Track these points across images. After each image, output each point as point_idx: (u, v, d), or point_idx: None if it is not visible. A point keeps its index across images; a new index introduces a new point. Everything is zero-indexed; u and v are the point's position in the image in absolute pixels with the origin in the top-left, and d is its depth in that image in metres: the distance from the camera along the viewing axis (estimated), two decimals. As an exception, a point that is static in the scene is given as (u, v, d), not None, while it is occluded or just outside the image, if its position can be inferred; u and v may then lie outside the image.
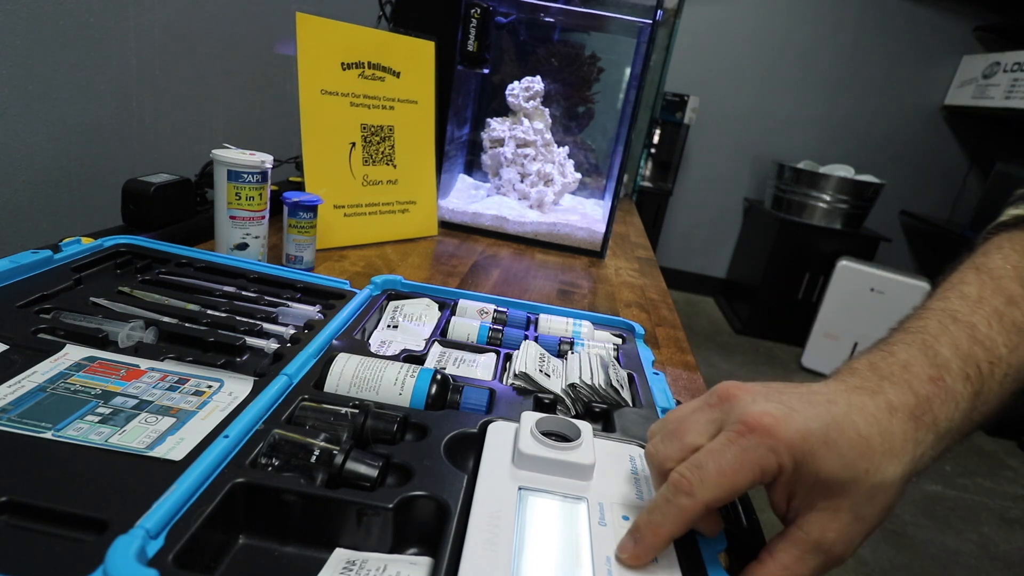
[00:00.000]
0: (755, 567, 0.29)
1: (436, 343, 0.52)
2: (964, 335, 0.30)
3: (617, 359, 0.53)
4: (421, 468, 0.33)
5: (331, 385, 0.41)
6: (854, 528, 0.27)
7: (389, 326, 0.56)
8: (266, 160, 0.69)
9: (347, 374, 0.41)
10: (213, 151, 0.68)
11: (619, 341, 0.57)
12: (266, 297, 0.56)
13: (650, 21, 0.97)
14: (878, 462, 0.27)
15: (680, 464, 0.28)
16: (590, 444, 0.35)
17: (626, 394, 0.45)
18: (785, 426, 0.27)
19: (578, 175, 1.18)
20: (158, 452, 0.33)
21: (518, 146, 1.13)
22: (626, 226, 1.43)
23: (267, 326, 0.50)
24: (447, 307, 0.60)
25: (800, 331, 2.68)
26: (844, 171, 2.81)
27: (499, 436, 0.37)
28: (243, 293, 0.56)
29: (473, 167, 1.31)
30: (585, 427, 0.36)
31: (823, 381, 0.31)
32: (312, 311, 0.54)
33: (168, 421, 0.36)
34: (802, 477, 0.27)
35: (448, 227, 1.07)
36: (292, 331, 0.49)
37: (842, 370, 0.32)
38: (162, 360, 0.42)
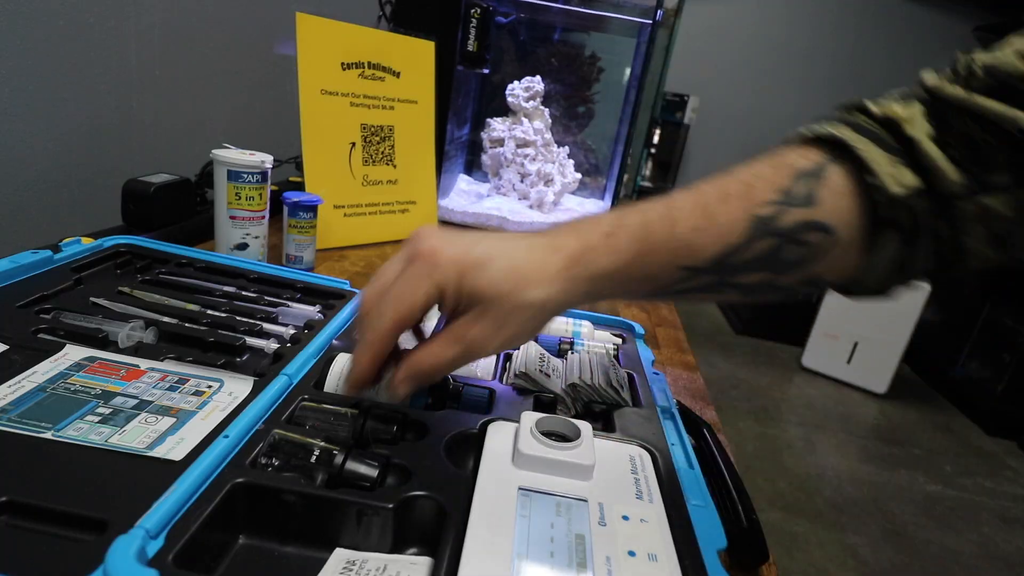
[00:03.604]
0: (412, 352, 0.35)
1: (436, 343, 0.52)
2: (656, 212, 0.34)
3: (617, 359, 0.53)
4: (421, 468, 0.33)
5: (331, 385, 0.41)
6: (494, 332, 0.33)
7: (389, 326, 0.56)
8: (266, 160, 0.69)
9: (347, 374, 0.41)
10: (213, 151, 0.68)
11: (619, 341, 0.57)
12: (266, 297, 0.56)
13: (650, 21, 0.97)
14: (524, 286, 0.32)
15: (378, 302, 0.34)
16: (590, 444, 0.35)
17: (626, 394, 0.45)
18: (445, 252, 0.33)
19: (578, 175, 1.18)
20: (158, 452, 0.33)
21: (518, 146, 1.13)
22: (626, 226, 1.43)
23: (267, 326, 0.50)
24: (447, 307, 0.60)
25: (800, 331, 2.68)
26: (844, 171, 2.81)
27: (499, 436, 0.37)
28: (243, 293, 0.56)
29: (473, 167, 1.31)
30: (585, 427, 0.36)
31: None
32: (312, 311, 0.54)
33: (168, 421, 0.36)
34: (461, 291, 0.33)
35: (448, 227, 1.07)
36: (292, 331, 0.49)
37: (562, 224, 0.36)
38: (162, 360, 0.42)
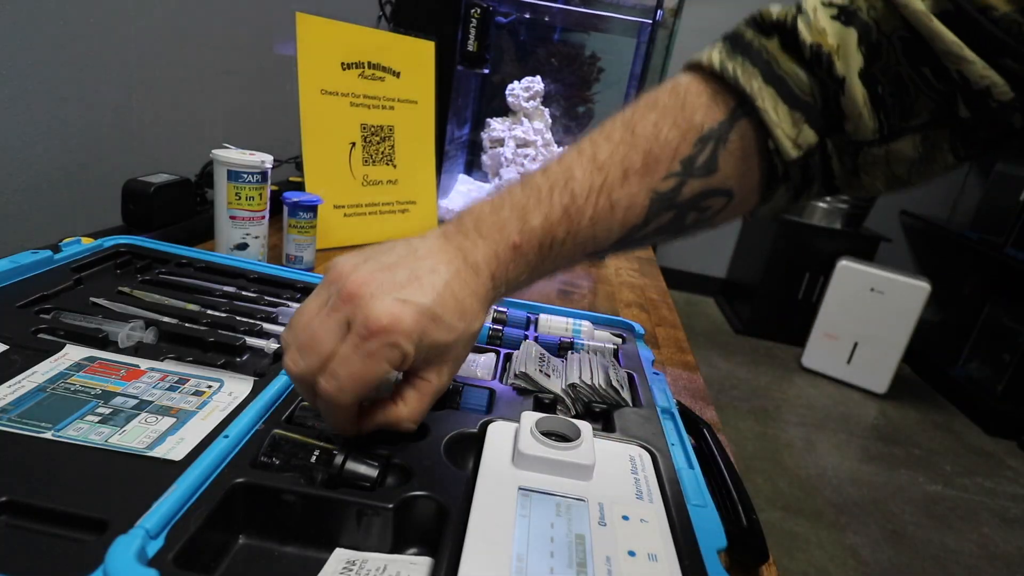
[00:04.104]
0: (391, 408, 0.34)
1: (436, 343, 0.52)
2: (560, 205, 0.33)
3: (617, 359, 0.53)
4: (421, 468, 0.33)
5: (331, 385, 0.41)
6: (453, 370, 0.35)
7: (389, 326, 0.56)
8: (266, 160, 0.69)
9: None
10: (213, 151, 0.68)
11: (619, 341, 0.57)
12: (266, 297, 0.56)
13: (650, 21, 0.97)
14: (471, 319, 0.33)
15: (319, 375, 0.31)
16: (590, 444, 0.35)
17: (626, 394, 0.45)
18: (402, 322, 0.30)
19: (578, 175, 1.18)
20: (158, 452, 0.33)
21: (518, 146, 1.13)
22: (626, 226, 1.43)
23: (267, 326, 0.50)
24: (447, 307, 0.60)
25: (800, 331, 2.68)
26: (844, 171, 2.81)
27: (499, 436, 0.37)
28: (243, 293, 0.56)
29: (473, 167, 1.31)
30: (585, 427, 0.36)
31: (431, 233, 0.35)
32: (312, 311, 0.54)
33: (168, 421, 0.36)
34: (422, 349, 0.31)
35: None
36: (292, 331, 0.49)
37: (456, 218, 0.35)
38: (162, 360, 0.42)
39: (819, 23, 0.30)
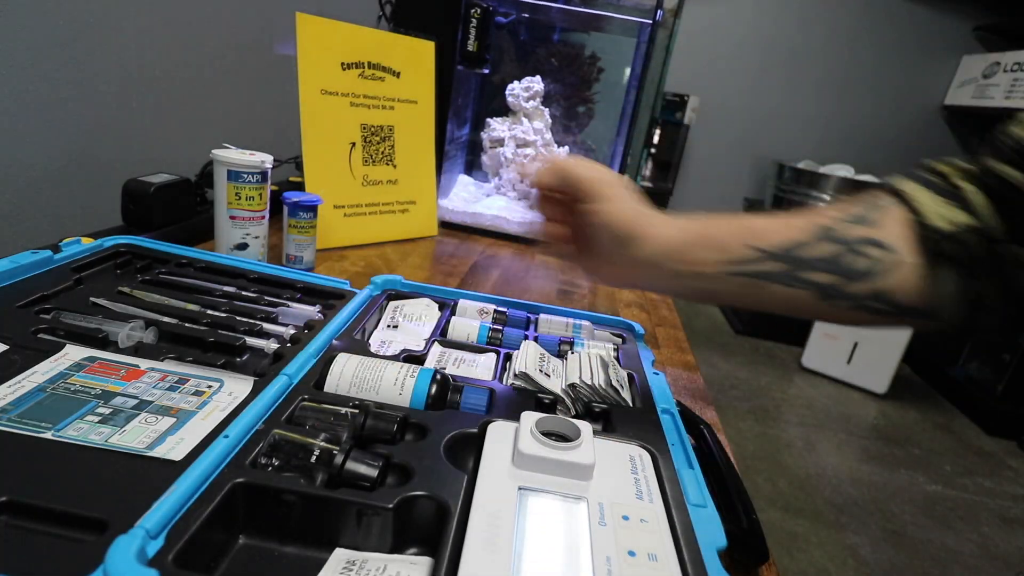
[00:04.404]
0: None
1: (436, 343, 0.52)
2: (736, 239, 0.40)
3: (617, 359, 0.53)
4: (421, 468, 0.33)
5: (331, 385, 0.41)
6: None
7: (389, 326, 0.56)
8: (266, 160, 0.69)
9: (347, 374, 0.41)
10: (213, 151, 0.68)
11: (619, 341, 0.57)
12: (266, 297, 0.56)
13: (650, 21, 0.97)
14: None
15: None
16: (590, 444, 0.35)
17: (626, 394, 0.45)
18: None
19: (578, 175, 1.18)
20: (158, 452, 0.33)
21: (518, 146, 1.13)
22: (626, 226, 1.43)
23: (267, 326, 0.50)
24: (447, 307, 0.60)
25: (800, 331, 2.68)
26: (844, 171, 2.81)
27: (499, 436, 0.37)
28: (243, 293, 0.56)
29: (473, 167, 1.31)
30: (585, 427, 0.36)
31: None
32: (312, 311, 0.54)
33: (168, 421, 0.36)
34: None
35: (448, 227, 1.07)
36: (292, 331, 0.49)
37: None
38: (162, 360, 0.42)
39: (943, 163, 0.39)
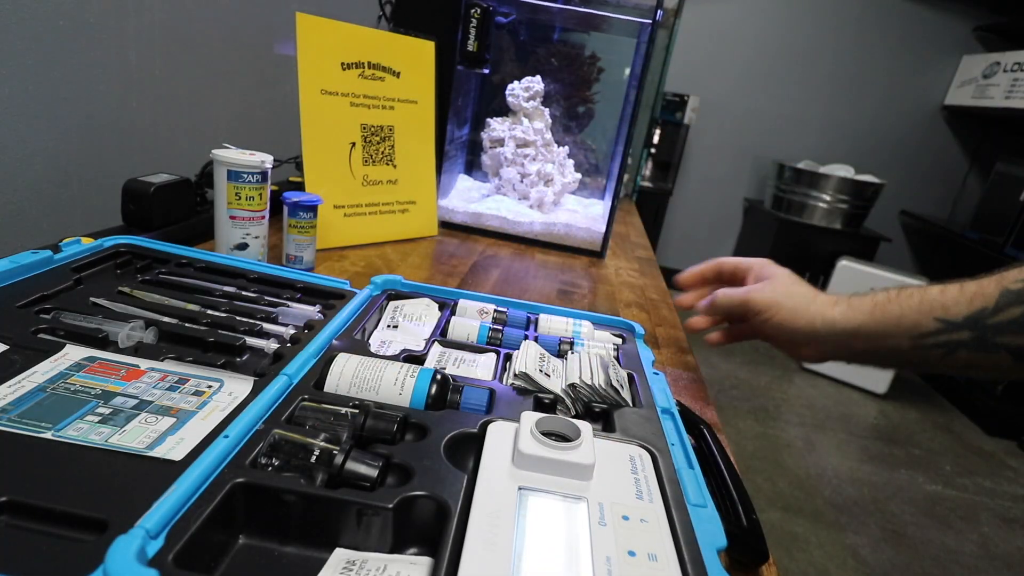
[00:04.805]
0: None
1: (436, 343, 0.52)
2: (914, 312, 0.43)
3: (617, 359, 0.53)
4: (421, 468, 0.33)
5: (331, 385, 0.41)
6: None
7: (389, 326, 0.56)
8: (266, 160, 0.69)
9: (347, 374, 0.41)
10: (213, 151, 0.68)
11: (619, 341, 0.57)
12: (266, 297, 0.56)
13: (650, 21, 0.97)
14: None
15: None
16: (590, 444, 0.35)
17: (626, 394, 0.45)
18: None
19: (578, 175, 1.18)
20: (158, 452, 0.33)
21: (518, 146, 1.13)
22: (626, 226, 1.43)
23: (267, 326, 0.50)
24: (447, 307, 0.60)
25: (800, 331, 2.68)
26: (844, 171, 2.81)
27: (499, 436, 0.37)
28: (243, 293, 0.56)
29: (473, 167, 1.31)
30: (585, 427, 0.36)
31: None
32: (312, 311, 0.54)
33: (168, 421, 0.36)
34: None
35: (448, 227, 1.07)
36: (292, 331, 0.49)
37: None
38: (162, 360, 0.42)
39: None
